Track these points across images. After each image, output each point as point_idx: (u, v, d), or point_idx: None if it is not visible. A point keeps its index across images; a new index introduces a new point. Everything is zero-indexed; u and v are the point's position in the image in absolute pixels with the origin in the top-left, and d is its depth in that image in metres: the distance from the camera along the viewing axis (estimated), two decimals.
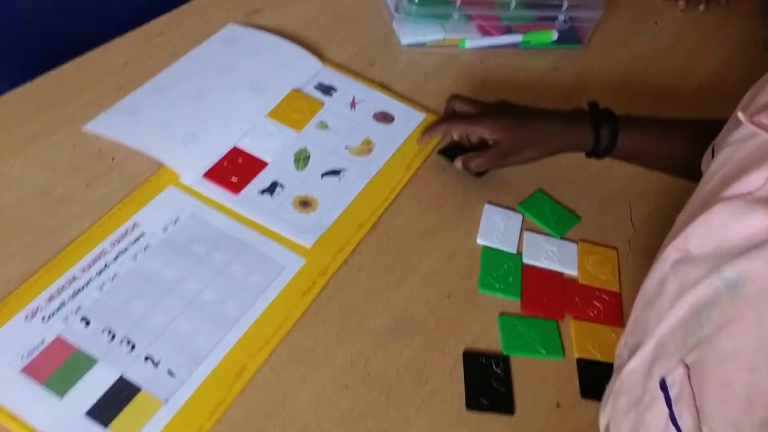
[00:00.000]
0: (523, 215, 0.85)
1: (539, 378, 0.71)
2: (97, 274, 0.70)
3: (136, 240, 0.73)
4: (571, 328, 0.75)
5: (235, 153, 0.83)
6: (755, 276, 0.49)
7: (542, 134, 0.80)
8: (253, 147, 0.84)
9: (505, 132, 0.79)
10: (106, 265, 0.71)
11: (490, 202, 0.85)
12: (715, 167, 0.59)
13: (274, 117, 0.88)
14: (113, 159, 0.81)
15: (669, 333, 0.55)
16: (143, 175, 0.80)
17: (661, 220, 0.87)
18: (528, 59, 1.07)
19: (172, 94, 0.88)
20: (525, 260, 0.80)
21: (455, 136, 0.84)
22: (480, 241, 0.81)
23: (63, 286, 0.68)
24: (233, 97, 0.89)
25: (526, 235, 0.83)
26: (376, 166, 0.86)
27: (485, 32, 1.07)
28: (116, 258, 0.71)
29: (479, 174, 0.85)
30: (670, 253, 0.58)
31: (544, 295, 0.77)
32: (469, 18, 1.05)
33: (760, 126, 0.54)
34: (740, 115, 0.55)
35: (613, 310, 0.78)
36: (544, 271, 0.80)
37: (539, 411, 0.69)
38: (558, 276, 0.80)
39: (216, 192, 0.78)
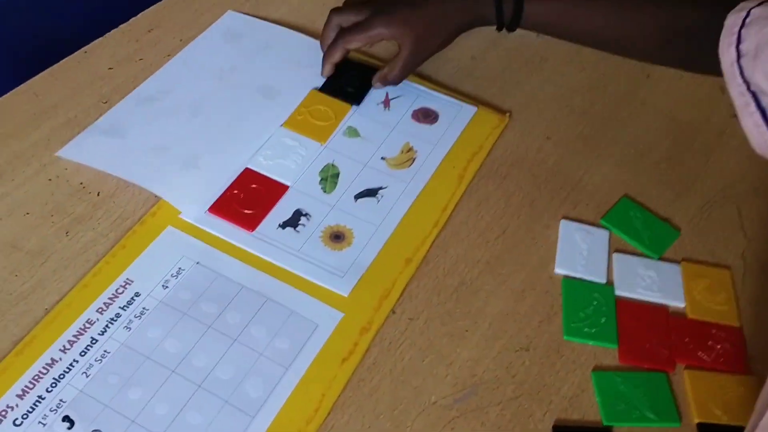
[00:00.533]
0: (609, 231, 0.68)
1: None
2: (81, 354, 0.55)
3: (130, 302, 0.58)
4: (685, 381, 0.59)
5: (247, 176, 0.67)
6: None
7: (444, 14, 0.72)
8: (268, 167, 0.68)
9: (405, 26, 0.71)
10: (92, 341, 0.56)
11: (566, 218, 0.69)
12: None
13: (291, 127, 0.71)
14: (98, 194, 0.65)
15: None
16: (135, 215, 0.64)
17: None
18: None
19: (165, 105, 0.72)
20: (618, 292, 0.64)
21: (355, 47, 0.74)
22: (559, 271, 0.65)
23: (38, 375, 0.54)
24: (239, 105, 0.73)
25: (616, 257, 0.66)
26: (421, 180, 0.69)
27: None
28: (105, 329, 0.56)
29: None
30: None
31: (646, 339, 0.61)
32: None
33: None
34: None
35: (737, 353, 0.61)
36: (643, 306, 0.63)
37: None
38: (662, 310, 0.63)
39: (226, 230, 0.63)
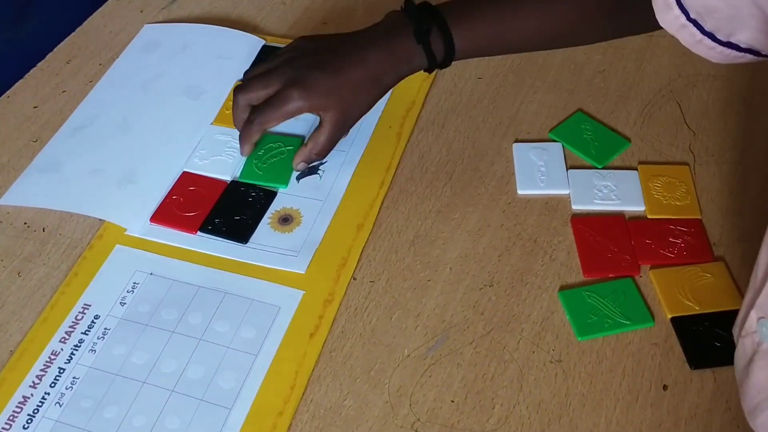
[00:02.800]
0: (562, 144, 0.68)
1: (631, 359, 0.55)
2: (50, 385, 0.55)
3: (91, 326, 0.58)
4: (652, 281, 0.59)
5: (185, 180, 0.66)
6: None
7: (368, 77, 0.63)
8: (205, 166, 0.68)
9: (326, 97, 0.62)
10: (60, 370, 0.56)
11: (519, 140, 0.68)
12: None
13: (221, 123, 0.71)
14: (43, 230, 0.65)
15: None
16: (83, 241, 0.64)
17: (722, 110, 0.70)
18: None
19: (95, 130, 0.71)
20: (574, 207, 0.64)
21: (272, 126, 0.65)
22: (522, 192, 0.65)
23: (12, 415, 0.53)
24: (166, 111, 0.72)
25: (570, 173, 0.66)
26: (359, 146, 0.69)
27: None
28: (71, 357, 0.56)
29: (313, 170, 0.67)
30: None
31: (608, 249, 0.61)
32: None
33: None
34: None
35: (700, 243, 0.61)
36: (600, 217, 0.63)
37: (643, 401, 0.53)
38: (619, 218, 0.63)
39: (172, 236, 0.63)
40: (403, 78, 0.65)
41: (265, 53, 0.77)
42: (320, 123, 0.64)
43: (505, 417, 0.52)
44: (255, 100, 0.64)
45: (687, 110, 0.71)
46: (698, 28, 0.50)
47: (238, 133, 0.66)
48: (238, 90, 0.65)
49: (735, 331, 0.46)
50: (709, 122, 0.70)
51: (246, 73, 0.70)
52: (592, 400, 0.53)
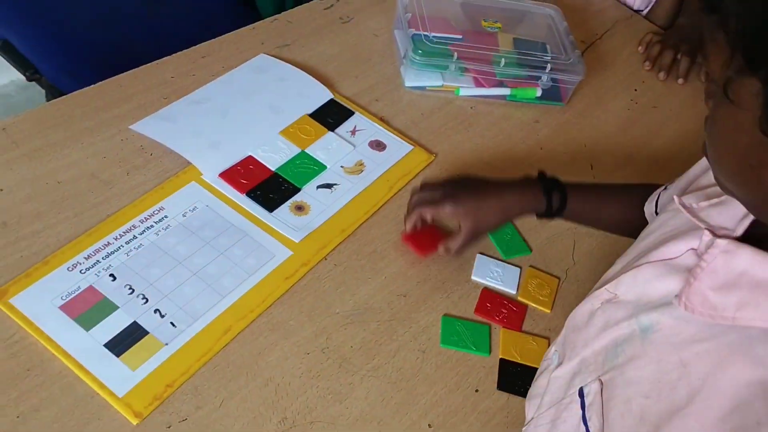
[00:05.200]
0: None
1: (465, 367, 0.87)
2: (126, 242, 0.89)
3: (160, 220, 0.92)
4: (500, 333, 0.92)
5: (249, 161, 1.01)
6: (662, 326, 0.63)
7: (501, 206, 0.91)
8: (263, 157, 1.02)
9: (467, 216, 0.89)
10: (134, 237, 0.89)
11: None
12: (654, 227, 0.75)
13: (285, 135, 1.06)
14: (151, 154, 1.00)
15: (592, 355, 0.69)
16: (173, 170, 0.99)
17: (598, 258, 1.03)
18: (513, 110, 1.25)
19: (206, 107, 1.07)
20: (474, 278, 0.97)
21: (429, 218, 0.93)
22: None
23: (99, 249, 0.87)
24: (254, 115, 1.08)
25: (478, 257, 0.99)
26: (364, 184, 1.03)
27: (479, 84, 1.24)
28: (143, 232, 0.90)
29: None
30: (602, 293, 0.72)
31: (501, 304, 0.94)
32: (466, 70, 1.23)
33: (683, 206, 0.67)
34: (675, 198, 0.69)
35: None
36: (490, 290, 0.96)
37: (461, 392, 0.85)
38: (497, 294, 0.96)
39: (228, 189, 0.97)
40: (522, 215, 0.93)
41: (329, 104, 1.12)
42: (459, 228, 0.90)
43: (376, 367, 0.85)
44: (422, 197, 0.93)
45: (577, 248, 1.05)
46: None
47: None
48: (414, 191, 0.95)
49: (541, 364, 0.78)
50: (588, 262, 1.03)
51: (422, 183, 0.96)
52: (431, 377, 0.85)
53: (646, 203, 0.88)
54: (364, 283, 0.93)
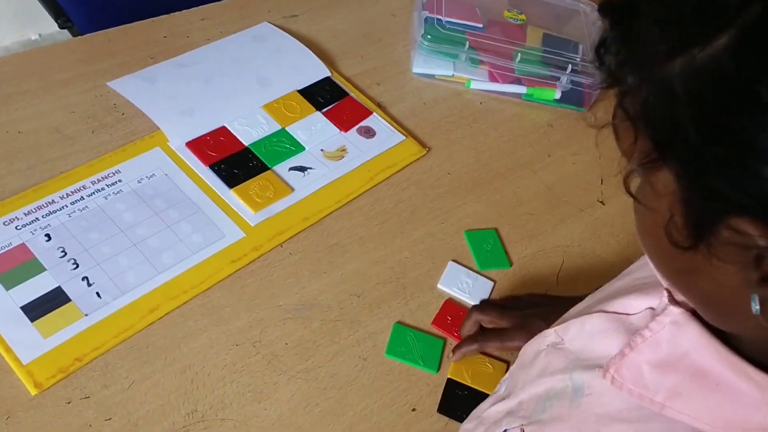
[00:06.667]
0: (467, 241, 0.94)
1: (408, 382, 0.80)
2: (71, 203, 0.84)
3: (113, 184, 0.87)
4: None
5: (221, 131, 0.96)
6: (593, 391, 0.55)
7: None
8: (238, 130, 0.96)
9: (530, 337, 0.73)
10: (81, 198, 0.85)
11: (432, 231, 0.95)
12: (636, 265, 0.65)
13: (267, 110, 1.00)
14: (123, 114, 0.96)
15: (527, 400, 0.62)
16: (141, 133, 0.94)
17: (585, 282, 0.94)
18: (528, 110, 1.15)
19: (189, 71, 1.02)
20: (440, 286, 0.89)
21: (488, 351, 0.83)
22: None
23: (41, 206, 0.83)
24: (239, 85, 1.02)
25: (450, 264, 0.91)
26: (341, 171, 0.97)
27: (493, 78, 1.15)
28: (91, 194, 0.86)
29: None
30: (551, 334, 0.63)
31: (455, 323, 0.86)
32: (481, 62, 1.14)
33: None
34: None
35: None
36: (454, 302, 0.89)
37: (395, 409, 0.78)
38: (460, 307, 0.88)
39: (192, 159, 0.92)
40: None
41: (323, 82, 1.05)
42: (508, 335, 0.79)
43: (308, 370, 0.78)
44: (486, 322, 0.81)
45: (564, 268, 0.95)
46: None
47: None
48: (475, 308, 0.82)
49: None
50: (571, 284, 0.94)
51: (484, 300, 0.86)
52: (367, 388, 0.78)
53: None
54: (317, 278, 0.86)
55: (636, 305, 0.56)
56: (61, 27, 1.67)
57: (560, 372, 0.59)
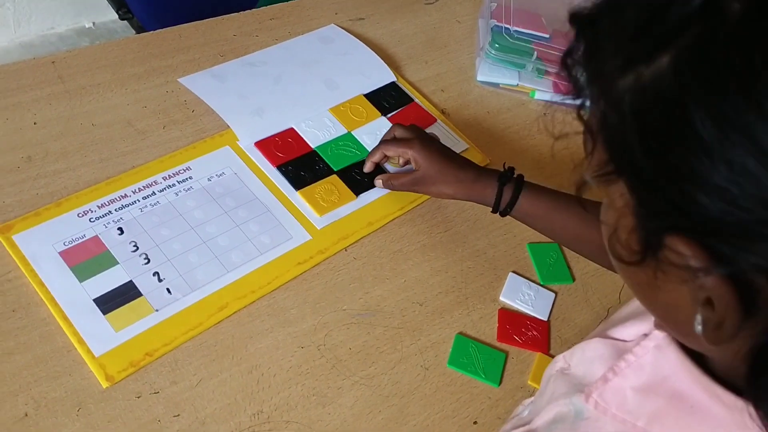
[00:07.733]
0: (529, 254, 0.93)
1: (469, 395, 0.80)
2: (143, 198, 0.85)
3: (184, 180, 0.88)
4: (536, 359, 0.83)
5: (289, 133, 0.96)
6: (590, 414, 0.54)
7: (454, 177, 0.85)
8: (306, 132, 0.97)
9: (426, 161, 0.85)
10: (153, 193, 0.86)
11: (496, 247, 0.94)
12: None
13: (334, 113, 1.01)
14: (193, 111, 0.97)
15: (541, 426, 0.61)
16: (211, 131, 0.95)
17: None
18: None
19: (259, 71, 1.02)
20: (502, 298, 0.89)
21: (390, 155, 0.90)
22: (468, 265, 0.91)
23: (114, 199, 0.84)
24: (307, 86, 1.03)
25: (510, 276, 0.91)
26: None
27: (558, 90, 1.14)
28: (163, 190, 0.87)
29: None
30: (560, 359, 0.63)
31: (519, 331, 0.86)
32: (546, 72, 1.13)
33: None
34: None
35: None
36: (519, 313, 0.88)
37: (456, 421, 0.78)
38: (527, 317, 0.88)
39: (260, 159, 0.92)
40: (473, 200, 0.87)
41: (389, 87, 1.05)
42: (414, 171, 0.87)
43: (371, 376, 0.79)
44: (399, 135, 0.90)
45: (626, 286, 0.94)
46: None
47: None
48: (397, 125, 0.91)
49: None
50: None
51: (395, 124, 0.93)
52: (429, 398, 0.78)
53: None
54: (380, 283, 0.87)
55: (633, 332, 0.57)
56: (121, 18, 1.70)
57: (564, 396, 0.58)
